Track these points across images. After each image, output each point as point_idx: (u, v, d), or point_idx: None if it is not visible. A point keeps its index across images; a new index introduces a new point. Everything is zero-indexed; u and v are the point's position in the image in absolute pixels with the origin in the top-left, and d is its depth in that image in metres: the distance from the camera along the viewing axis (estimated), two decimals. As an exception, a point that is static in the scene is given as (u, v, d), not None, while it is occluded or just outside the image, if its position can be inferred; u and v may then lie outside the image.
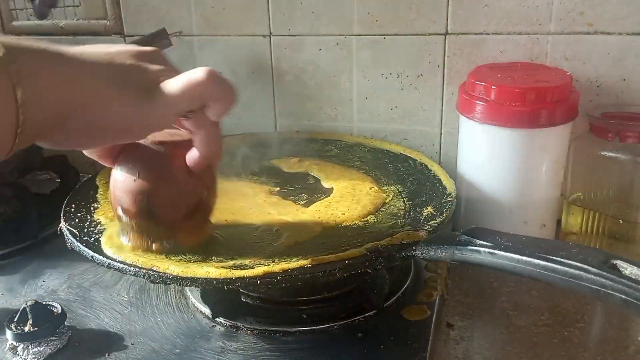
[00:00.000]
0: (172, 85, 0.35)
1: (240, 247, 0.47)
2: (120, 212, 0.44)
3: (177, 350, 0.46)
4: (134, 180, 0.42)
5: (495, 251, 0.38)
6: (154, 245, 0.44)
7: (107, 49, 0.35)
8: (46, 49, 0.31)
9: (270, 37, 0.73)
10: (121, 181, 0.42)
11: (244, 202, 0.56)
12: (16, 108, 0.28)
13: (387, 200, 0.57)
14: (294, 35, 0.72)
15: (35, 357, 0.45)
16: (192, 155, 0.41)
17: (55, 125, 0.31)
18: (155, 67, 0.36)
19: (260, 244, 0.48)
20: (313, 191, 0.60)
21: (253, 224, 0.52)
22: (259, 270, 0.41)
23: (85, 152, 0.40)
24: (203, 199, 0.44)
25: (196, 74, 0.36)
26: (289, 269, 0.41)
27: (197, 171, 0.42)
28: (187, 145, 0.42)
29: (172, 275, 0.42)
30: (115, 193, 0.43)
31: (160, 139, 0.43)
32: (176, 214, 0.43)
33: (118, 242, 0.46)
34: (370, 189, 0.58)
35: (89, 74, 0.32)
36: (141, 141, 0.43)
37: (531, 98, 0.54)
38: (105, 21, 0.78)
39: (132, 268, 0.43)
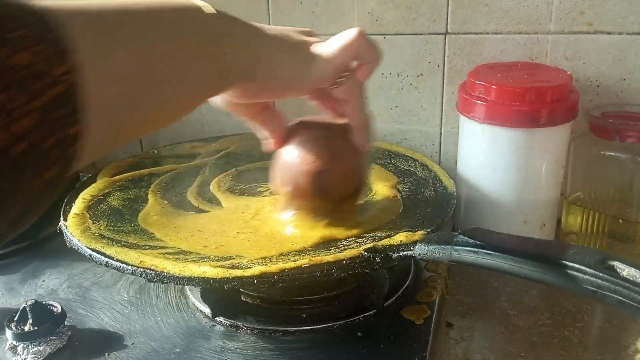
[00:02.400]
0: (330, 45, 0.42)
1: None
2: (292, 190, 0.46)
3: (177, 350, 0.46)
4: (313, 161, 0.45)
5: (493, 252, 0.38)
6: (319, 222, 0.47)
7: (275, 27, 0.42)
8: (237, 18, 0.38)
9: (270, 37, 0.73)
10: (297, 162, 0.45)
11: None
12: (223, 54, 0.34)
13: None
14: (294, 35, 0.72)
15: (35, 357, 0.45)
16: (360, 137, 0.47)
17: (247, 75, 0.38)
18: (312, 38, 0.44)
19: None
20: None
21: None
22: (256, 269, 0.41)
23: (259, 126, 0.46)
24: (364, 178, 0.49)
25: (349, 33, 0.42)
26: (286, 268, 0.41)
27: (363, 151, 0.47)
28: (348, 128, 0.46)
29: (169, 274, 0.42)
30: (288, 172, 0.46)
31: (325, 121, 0.48)
32: (345, 192, 0.47)
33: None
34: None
35: (271, 39, 0.40)
36: (307, 122, 0.48)
37: (531, 98, 0.54)
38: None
39: (130, 267, 0.43)
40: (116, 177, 0.61)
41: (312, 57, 0.41)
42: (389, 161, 0.66)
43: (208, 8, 0.35)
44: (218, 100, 0.43)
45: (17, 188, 0.21)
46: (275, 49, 0.40)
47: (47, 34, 0.22)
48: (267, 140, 0.47)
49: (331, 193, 0.46)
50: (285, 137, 0.47)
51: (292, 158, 0.45)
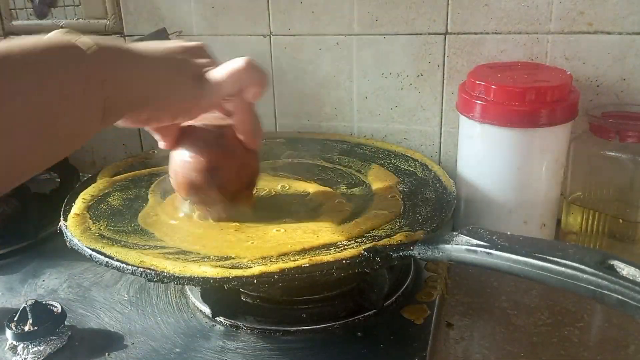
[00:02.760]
0: (218, 72, 0.43)
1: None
2: (188, 188, 0.49)
3: (177, 350, 0.46)
4: (202, 159, 0.48)
5: (492, 251, 0.38)
6: (217, 214, 0.51)
7: (162, 46, 0.42)
8: (121, 47, 0.37)
9: (270, 37, 0.73)
10: (189, 161, 0.48)
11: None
12: (103, 100, 0.34)
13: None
14: (294, 35, 0.72)
15: (35, 357, 0.45)
16: (247, 140, 0.49)
17: (133, 112, 0.39)
18: (201, 60, 0.44)
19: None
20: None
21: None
22: (256, 269, 0.41)
23: (149, 130, 0.47)
24: (256, 170, 0.51)
25: (237, 62, 0.43)
26: (286, 268, 0.41)
27: (253, 149, 0.50)
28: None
29: (169, 274, 0.42)
30: (183, 172, 0.49)
31: (214, 122, 0.50)
32: (239, 185, 0.50)
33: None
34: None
35: (155, 68, 0.40)
36: (198, 125, 0.49)
37: (531, 97, 0.54)
38: (105, 20, 0.78)
39: (130, 267, 0.43)
40: (116, 177, 0.61)
41: (200, 85, 0.43)
42: (389, 161, 0.66)
43: (89, 45, 0.34)
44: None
45: None
46: (163, 81, 0.40)
47: None
48: (160, 141, 0.49)
49: (226, 187, 0.49)
50: (178, 138, 0.49)
51: (186, 158, 0.48)
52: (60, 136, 0.33)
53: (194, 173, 0.48)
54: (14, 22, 0.83)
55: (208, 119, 0.50)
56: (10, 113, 0.29)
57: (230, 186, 0.49)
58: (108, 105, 0.35)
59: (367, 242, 0.46)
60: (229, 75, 0.43)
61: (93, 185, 0.59)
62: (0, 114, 0.29)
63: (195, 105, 0.43)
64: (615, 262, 0.34)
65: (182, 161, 0.49)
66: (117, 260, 0.44)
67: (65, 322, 0.49)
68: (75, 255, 0.47)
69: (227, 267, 0.42)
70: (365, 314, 0.49)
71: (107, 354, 0.46)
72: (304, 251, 0.45)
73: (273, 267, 0.41)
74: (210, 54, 0.46)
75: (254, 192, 0.54)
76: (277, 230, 0.50)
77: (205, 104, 0.44)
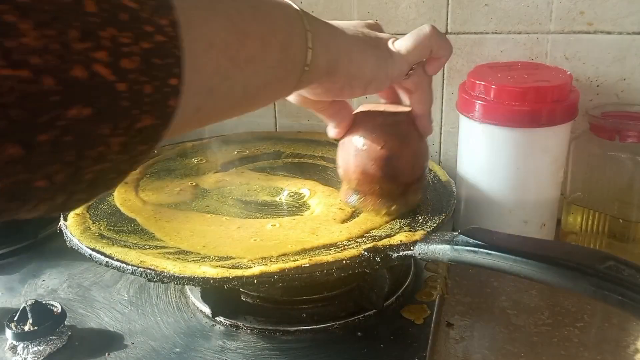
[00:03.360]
0: (406, 42, 0.44)
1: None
2: (362, 178, 0.47)
3: (177, 350, 0.46)
4: (380, 148, 0.46)
5: (492, 251, 0.38)
6: (387, 207, 0.49)
7: (347, 23, 0.43)
8: (319, 19, 0.39)
9: (270, 37, 0.73)
10: (364, 149, 0.46)
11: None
12: (307, 49, 0.36)
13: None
14: (294, 35, 0.72)
15: (35, 357, 0.45)
16: (423, 123, 0.49)
17: (326, 72, 0.39)
18: (384, 34, 0.45)
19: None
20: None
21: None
22: (256, 270, 0.41)
23: (325, 117, 0.48)
24: (427, 160, 0.50)
25: (423, 29, 0.44)
26: (286, 268, 0.41)
27: (425, 136, 0.49)
28: (410, 114, 0.48)
29: (169, 274, 0.42)
30: (356, 161, 0.47)
31: (387, 110, 0.49)
32: (412, 177, 0.48)
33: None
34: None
35: (351, 39, 0.41)
36: (371, 111, 0.49)
37: (531, 97, 0.54)
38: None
39: (130, 267, 0.43)
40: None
41: (390, 54, 0.43)
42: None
43: (292, 4, 0.36)
44: (291, 96, 0.44)
45: (118, 125, 0.21)
46: (356, 49, 0.41)
47: None
48: (333, 128, 0.49)
49: (399, 178, 0.47)
50: (350, 126, 0.48)
51: (361, 145, 0.47)
52: (267, 86, 0.34)
53: (370, 162, 0.46)
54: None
55: (381, 107, 0.50)
56: (240, 43, 0.30)
57: (404, 177, 0.48)
58: (306, 60, 0.36)
59: (367, 242, 0.46)
60: (418, 41, 0.43)
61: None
62: (238, 48, 0.30)
63: (385, 74, 0.43)
64: (615, 262, 0.34)
65: (355, 149, 0.47)
66: (117, 260, 0.44)
67: (65, 322, 0.49)
68: (75, 255, 0.47)
69: (227, 267, 0.42)
70: (365, 314, 0.49)
71: (107, 353, 0.46)
72: (304, 251, 0.45)
73: (273, 267, 0.41)
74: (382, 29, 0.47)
75: (424, 184, 0.52)
76: (272, 225, 0.50)
77: (393, 71, 0.43)
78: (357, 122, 0.48)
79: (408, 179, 0.48)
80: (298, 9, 0.36)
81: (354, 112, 0.49)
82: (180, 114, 0.24)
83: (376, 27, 0.46)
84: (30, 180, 0.20)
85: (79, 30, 0.19)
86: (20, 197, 0.20)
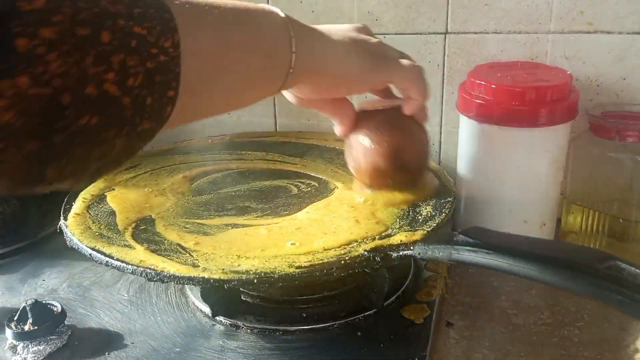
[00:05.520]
0: (391, 62, 0.46)
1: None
2: (374, 174, 0.50)
3: (177, 349, 0.46)
4: (387, 144, 0.48)
5: (492, 251, 0.38)
6: (402, 194, 0.51)
7: (336, 27, 0.45)
8: (304, 24, 0.41)
9: (270, 36, 0.73)
10: (373, 147, 0.49)
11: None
12: (291, 53, 0.38)
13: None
14: (294, 35, 0.72)
15: (35, 356, 0.45)
16: (421, 114, 0.50)
17: (311, 74, 0.41)
18: (373, 39, 0.46)
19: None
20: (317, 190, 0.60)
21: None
22: (256, 268, 0.41)
23: (329, 114, 0.50)
24: (429, 144, 0.53)
25: (417, 68, 0.47)
26: (286, 268, 0.41)
27: (422, 122, 0.51)
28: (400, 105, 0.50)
29: (169, 273, 0.42)
30: (366, 159, 0.49)
31: (382, 105, 0.51)
32: (420, 165, 0.51)
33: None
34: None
35: (335, 43, 0.42)
36: (371, 109, 0.51)
37: (531, 97, 0.54)
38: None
39: (130, 266, 0.43)
40: (116, 177, 0.61)
41: (375, 60, 0.44)
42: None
43: (279, 12, 0.39)
44: (289, 96, 0.47)
45: (121, 130, 0.26)
46: (340, 52, 0.43)
47: (161, 14, 0.27)
48: (338, 126, 0.51)
49: (408, 168, 0.50)
50: (354, 123, 0.50)
51: (368, 142, 0.49)
52: (252, 88, 0.37)
53: (379, 158, 0.48)
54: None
55: (380, 103, 0.51)
56: (225, 53, 0.33)
57: (413, 166, 0.50)
58: (290, 63, 0.38)
59: (367, 242, 0.46)
60: (401, 72, 0.46)
61: (93, 184, 0.59)
62: (221, 57, 0.33)
63: (369, 77, 0.45)
64: (615, 262, 0.34)
65: (364, 148, 0.49)
66: (117, 259, 0.44)
67: (65, 322, 0.49)
68: (75, 254, 0.47)
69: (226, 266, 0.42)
70: (365, 314, 0.49)
71: (107, 353, 0.46)
72: (308, 253, 0.45)
73: (273, 266, 0.41)
74: (372, 32, 0.48)
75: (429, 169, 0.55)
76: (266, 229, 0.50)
77: (378, 80, 0.46)
78: (361, 121, 0.50)
79: (416, 168, 0.51)
80: (284, 15, 0.38)
81: (357, 110, 0.51)
82: (175, 113, 0.29)
83: (365, 30, 0.47)
84: (43, 169, 0.25)
85: (93, 56, 0.24)
86: (34, 181, 0.25)
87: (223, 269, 0.41)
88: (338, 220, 0.50)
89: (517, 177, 0.57)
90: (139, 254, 0.45)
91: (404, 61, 0.47)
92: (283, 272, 0.41)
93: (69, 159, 0.25)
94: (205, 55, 0.31)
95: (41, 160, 0.24)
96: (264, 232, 0.49)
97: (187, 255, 0.45)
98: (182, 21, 0.29)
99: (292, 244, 0.46)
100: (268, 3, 0.71)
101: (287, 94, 0.47)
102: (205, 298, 0.51)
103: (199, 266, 0.42)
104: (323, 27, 0.43)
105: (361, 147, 0.49)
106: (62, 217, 0.52)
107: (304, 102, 0.47)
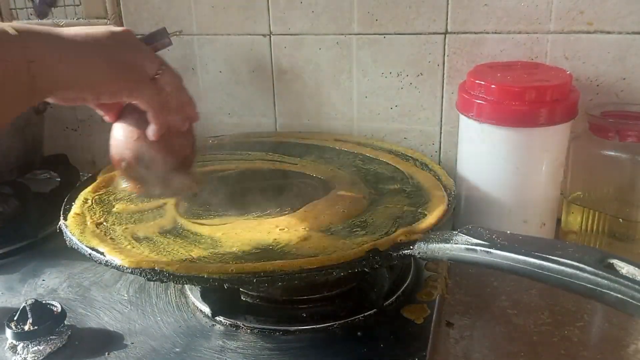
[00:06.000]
0: (137, 82, 0.44)
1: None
2: (123, 164, 0.50)
3: (177, 349, 0.46)
4: (132, 138, 0.48)
5: (491, 250, 0.38)
6: (146, 190, 0.51)
7: (89, 31, 0.43)
8: (48, 32, 0.40)
9: (270, 37, 0.73)
10: (121, 140, 0.49)
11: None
12: (30, 77, 0.37)
13: (385, 199, 0.57)
14: (294, 35, 0.72)
15: (35, 356, 0.45)
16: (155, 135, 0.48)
17: (56, 89, 0.40)
18: (130, 49, 0.44)
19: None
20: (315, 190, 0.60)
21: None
22: (255, 266, 0.41)
23: (92, 105, 0.47)
24: (187, 155, 0.51)
25: (148, 95, 0.45)
26: (287, 267, 0.41)
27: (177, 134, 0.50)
28: None
29: (168, 273, 0.42)
30: (118, 149, 0.50)
31: None
32: (165, 166, 0.50)
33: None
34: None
35: (81, 52, 0.41)
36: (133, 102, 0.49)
37: (531, 97, 0.54)
38: (106, 20, 0.78)
39: (130, 266, 0.43)
40: (116, 176, 0.61)
41: (122, 71, 0.43)
42: (388, 160, 0.66)
43: (15, 28, 0.37)
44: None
45: None
46: (86, 65, 0.41)
47: None
48: (104, 117, 0.50)
49: (154, 166, 0.50)
50: (120, 114, 0.49)
51: (120, 134, 0.49)
52: None
53: (125, 151, 0.49)
54: (15, 22, 0.83)
55: None
56: None
57: (157, 166, 0.50)
58: (35, 84, 0.38)
59: (367, 241, 0.46)
60: (142, 96, 0.45)
61: (93, 184, 0.59)
62: None
63: (115, 91, 0.44)
64: (615, 261, 0.34)
65: (114, 139, 0.50)
66: (117, 259, 0.44)
67: (65, 322, 0.49)
68: (75, 254, 0.47)
69: (227, 262, 0.42)
70: (365, 314, 0.49)
71: (107, 353, 0.46)
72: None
73: (273, 265, 0.41)
74: (135, 38, 0.46)
75: (191, 169, 0.53)
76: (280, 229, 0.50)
77: (124, 94, 0.44)
78: (124, 113, 0.50)
79: (161, 168, 0.51)
80: (18, 35, 0.37)
81: (125, 105, 0.50)
82: None
83: (124, 36, 0.45)
84: None
85: None
86: None
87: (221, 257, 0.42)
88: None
89: (517, 177, 0.57)
90: (139, 254, 0.45)
91: (160, 76, 0.45)
92: (283, 272, 0.41)
93: None
94: None
95: None
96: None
97: (187, 254, 0.45)
98: None
99: (280, 229, 0.48)
100: (268, 4, 0.71)
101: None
102: (205, 298, 0.51)
103: (196, 262, 0.42)
104: (73, 33, 0.42)
105: (113, 137, 0.50)
106: (62, 217, 0.52)
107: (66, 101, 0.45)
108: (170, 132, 0.48)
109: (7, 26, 0.37)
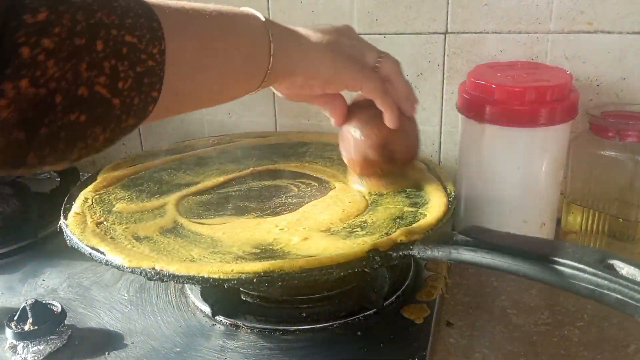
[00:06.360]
0: (363, 70, 0.47)
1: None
2: (364, 164, 0.53)
3: (177, 349, 0.46)
4: (376, 136, 0.51)
5: (491, 250, 0.38)
6: (390, 185, 0.55)
7: (315, 28, 0.46)
8: (284, 25, 0.43)
9: (270, 36, 0.73)
10: (363, 139, 0.51)
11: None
12: (269, 56, 0.40)
13: (385, 200, 0.57)
14: (294, 35, 0.72)
15: (35, 356, 0.45)
16: (406, 106, 0.51)
17: (287, 74, 0.43)
18: (353, 41, 0.48)
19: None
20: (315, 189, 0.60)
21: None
22: (256, 266, 0.41)
23: (321, 106, 0.51)
24: (418, 137, 0.54)
25: (375, 82, 0.47)
26: (287, 267, 0.41)
27: (411, 116, 0.52)
28: None
29: (168, 272, 0.42)
30: (357, 150, 0.52)
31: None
32: (408, 156, 0.54)
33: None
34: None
35: (310, 43, 0.44)
36: (361, 101, 0.52)
37: (531, 97, 0.54)
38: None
39: (130, 266, 0.43)
40: (116, 176, 0.61)
41: (347, 63, 0.46)
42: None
43: (260, 17, 0.41)
44: (276, 91, 0.49)
45: (107, 126, 0.29)
46: (315, 54, 0.44)
47: (150, 23, 0.30)
48: (330, 117, 0.53)
49: (396, 159, 0.52)
50: (347, 115, 0.52)
51: (359, 135, 0.51)
52: (230, 88, 0.40)
53: (369, 150, 0.51)
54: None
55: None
56: (209, 57, 0.36)
57: (401, 157, 0.53)
58: (273, 67, 0.40)
59: (367, 241, 0.46)
60: (368, 83, 0.47)
61: (93, 183, 0.59)
62: (203, 60, 0.35)
63: (343, 77, 0.46)
64: (615, 261, 0.34)
65: (355, 139, 0.52)
66: (117, 259, 0.44)
67: (65, 322, 0.49)
68: (75, 254, 0.47)
69: (227, 262, 0.42)
70: (365, 314, 0.49)
71: (107, 353, 0.46)
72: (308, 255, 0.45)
73: (273, 265, 0.41)
74: (355, 32, 0.50)
75: (419, 159, 0.57)
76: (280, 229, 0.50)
77: (349, 82, 0.47)
78: (354, 114, 0.52)
79: (404, 159, 0.53)
80: (264, 20, 0.41)
81: (349, 104, 0.52)
82: (157, 109, 0.32)
83: (345, 30, 0.48)
84: (25, 156, 0.27)
85: (87, 63, 0.27)
86: (15, 165, 0.28)
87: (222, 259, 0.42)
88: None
89: (517, 177, 0.57)
90: (139, 253, 0.45)
91: (381, 64, 0.48)
92: (283, 272, 0.41)
93: (51, 148, 0.28)
94: (187, 59, 0.34)
95: (24, 147, 0.27)
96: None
97: (187, 254, 0.45)
98: (168, 29, 0.31)
99: (280, 229, 0.49)
100: (268, 4, 0.71)
101: (275, 90, 0.48)
102: (205, 298, 0.51)
103: (196, 261, 0.42)
104: (303, 30, 0.45)
105: (352, 139, 0.52)
106: (62, 217, 0.52)
107: (292, 96, 0.49)
108: (402, 119, 0.50)
109: (255, 11, 0.41)
